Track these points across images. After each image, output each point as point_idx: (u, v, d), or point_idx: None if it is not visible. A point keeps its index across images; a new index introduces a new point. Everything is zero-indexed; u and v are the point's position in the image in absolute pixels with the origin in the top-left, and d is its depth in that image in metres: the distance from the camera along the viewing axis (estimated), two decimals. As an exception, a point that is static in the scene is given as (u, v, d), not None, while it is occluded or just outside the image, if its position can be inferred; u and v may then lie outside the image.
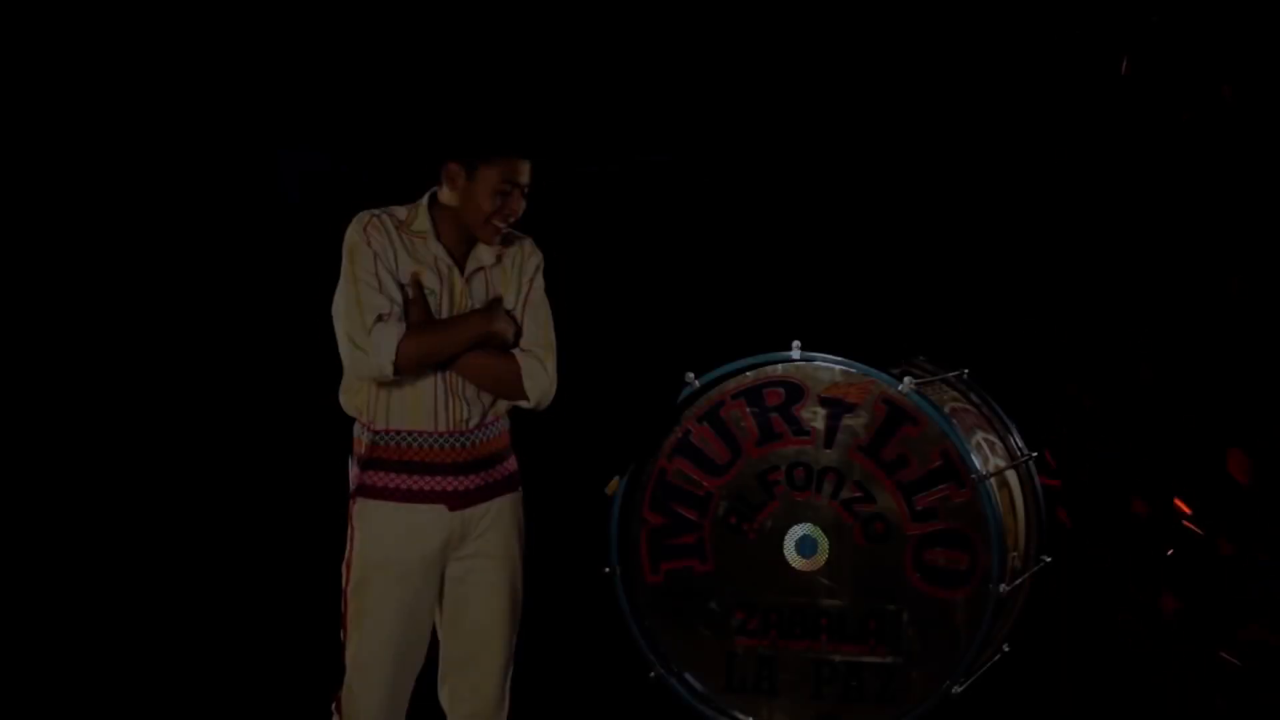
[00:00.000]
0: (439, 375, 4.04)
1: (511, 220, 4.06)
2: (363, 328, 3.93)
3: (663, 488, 4.28)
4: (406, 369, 3.95)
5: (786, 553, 4.21)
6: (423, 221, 4.07)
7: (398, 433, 4.02)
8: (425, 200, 4.12)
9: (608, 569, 4.29)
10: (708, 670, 4.28)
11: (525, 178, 4.04)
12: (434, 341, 3.98)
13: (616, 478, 4.27)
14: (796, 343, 4.22)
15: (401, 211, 4.10)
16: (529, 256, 4.19)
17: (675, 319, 6.48)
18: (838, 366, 4.19)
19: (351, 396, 4.08)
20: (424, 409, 4.03)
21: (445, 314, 4.05)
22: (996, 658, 4.44)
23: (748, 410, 4.24)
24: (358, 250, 4.01)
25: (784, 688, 4.23)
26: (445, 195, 4.07)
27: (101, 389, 6.51)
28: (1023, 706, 5.48)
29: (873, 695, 4.16)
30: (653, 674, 4.30)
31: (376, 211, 4.08)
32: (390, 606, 4.01)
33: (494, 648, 4.15)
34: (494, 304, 4.09)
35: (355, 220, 4.07)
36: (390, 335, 3.93)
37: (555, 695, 5.55)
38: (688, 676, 4.29)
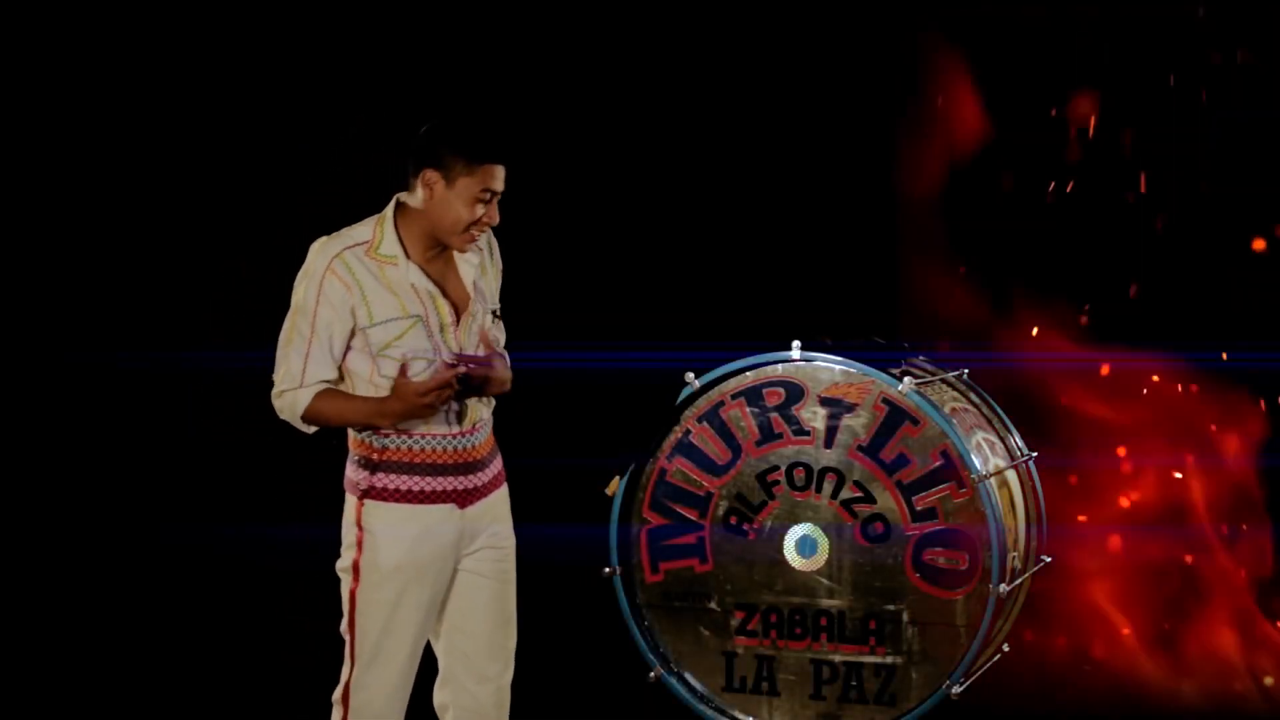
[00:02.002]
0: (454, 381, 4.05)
1: (485, 229, 3.99)
2: (275, 392, 4.01)
3: (663, 488, 4.28)
4: (317, 426, 4.04)
5: (786, 553, 4.21)
6: (390, 244, 3.98)
7: (410, 435, 4.02)
8: (390, 213, 4.01)
9: (608, 569, 4.29)
10: (708, 670, 4.28)
11: (502, 185, 3.95)
12: (343, 420, 4.02)
13: (616, 478, 4.27)
14: (796, 343, 4.22)
15: (365, 230, 4.00)
16: (493, 243, 4.16)
17: (675, 318, 6.48)
18: (838, 366, 4.19)
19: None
20: (438, 416, 4.03)
21: (437, 337, 4.00)
22: (996, 658, 4.44)
23: (748, 410, 4.24)
24: (304, 304, 3.96)
25: (784, 688, 4.23)
26: (417, 203, 3.97)
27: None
28: (1023, 706, 5.48)
29: (873, 695, 4.16)
30: (653, 674, 4.30)
31: (339, 246, 3.97)
32: (409, 605, 4.02)
33: (508, 633, 4.18)
34: (401, 388, 3.96)
35: (316, 256, 3.97)
36: (297, 403, 3.99)
37: (555, 695, 5.55)
38: (688, 676, 4.29)
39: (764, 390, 4.23)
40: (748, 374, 4.25)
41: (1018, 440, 4.58)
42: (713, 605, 4.26)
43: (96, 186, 6.68)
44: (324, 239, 4.01)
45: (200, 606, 6.51)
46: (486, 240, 4.12)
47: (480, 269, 4.10)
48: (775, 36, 6.66)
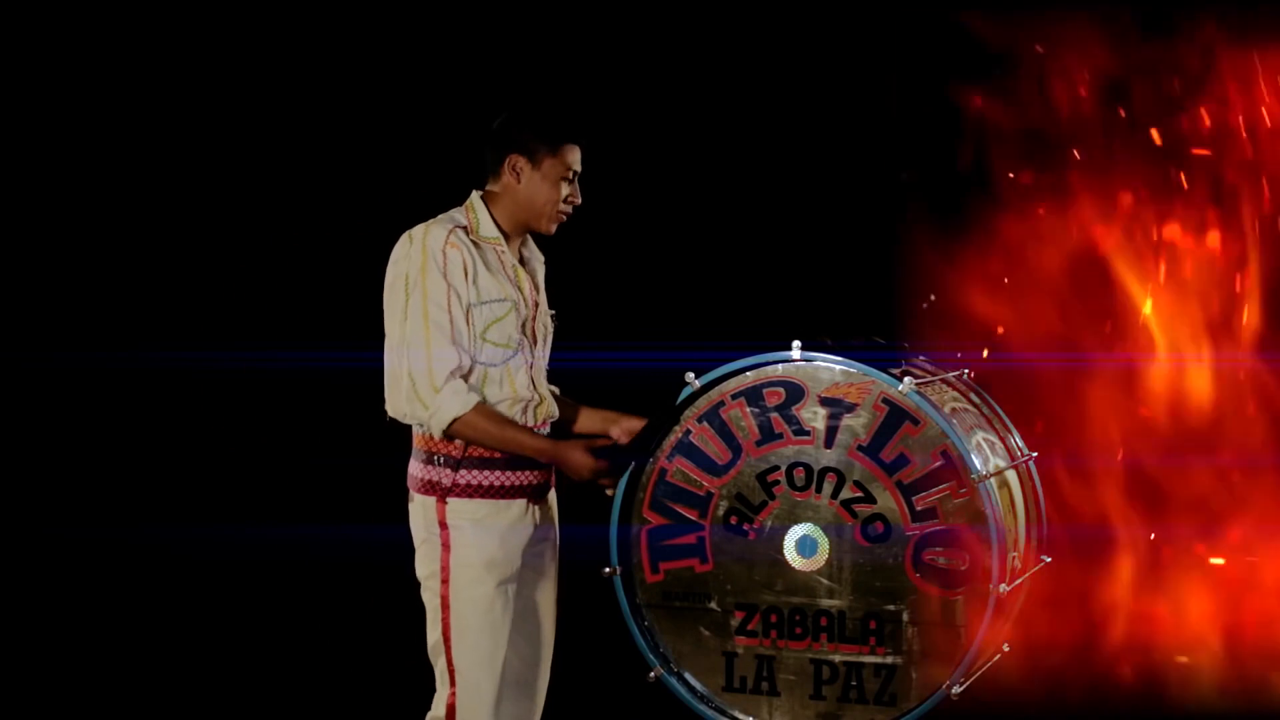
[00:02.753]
0: (531, 375, 4.11)
1: (570, 209, 4.14)
2: (430, 383, 3.92)
3: (663, 488, 4.28)
4: (456, 437, 3.99)
5: (786, 553, 4.21)
6: (489, 226, 4.07)
7: None
8: (477, 201, 4.11)
9: (608, 569, 4.29)
10: (708, 670, 4.28)
11: (580, 165, 4.12)
12: (494, 439, 3.99)
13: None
14: (797, 343, 4.22)
15: (459, 215, 4.08)
16: (540, 255, 4.28)
17: (675, 318, 6.48)
18: (838, 366, 4.19)
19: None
20: (518, 408, 4.08)
21: (524, 320, 4.08)
22: (996, 658, 4.44)
23: (748, 410, 4.24)
24: (432, 281, 3.94)
25: (784, 688, 4.23)
26: (503, 189, 4.08)
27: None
28: (1023, 706, 5.48)
29: (873, 695, 4.16)
30: (653, 674, 4.30)
31: (448, 224, 4.01)
32: (505, 599, 4.05)
33: (551, 626, 4.23)
34: (574, 449, 4.08)
35: (425, 236, 3.97)
36: (457, 402, 3.93)
37: (555, 695, 5.54)
38: (688, 676, 4.29)
39: (764, 390, 4.23)
40: (748, 374, 4.24)
41: (1018, 440, 4.58)
42: (713, 605, 4.26)
43: (94, 187, 6.68)
44: (421, 226, 4.01)
45: (199, 607, 6.51)
46: (535, 251, 4.26)
47: (540, 266, 4.24)
48: (772, 39, 6.66)
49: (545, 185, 4.06)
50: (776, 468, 4.21)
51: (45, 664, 6.07)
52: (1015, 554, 4.29)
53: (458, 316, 3.95)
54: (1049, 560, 4.55)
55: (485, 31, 6.70)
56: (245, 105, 6.76)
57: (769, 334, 4.33)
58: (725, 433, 4.25)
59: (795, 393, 4.20)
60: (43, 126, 6.67)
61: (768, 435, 4.22)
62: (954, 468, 4.10)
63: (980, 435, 4.37)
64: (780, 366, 4.23)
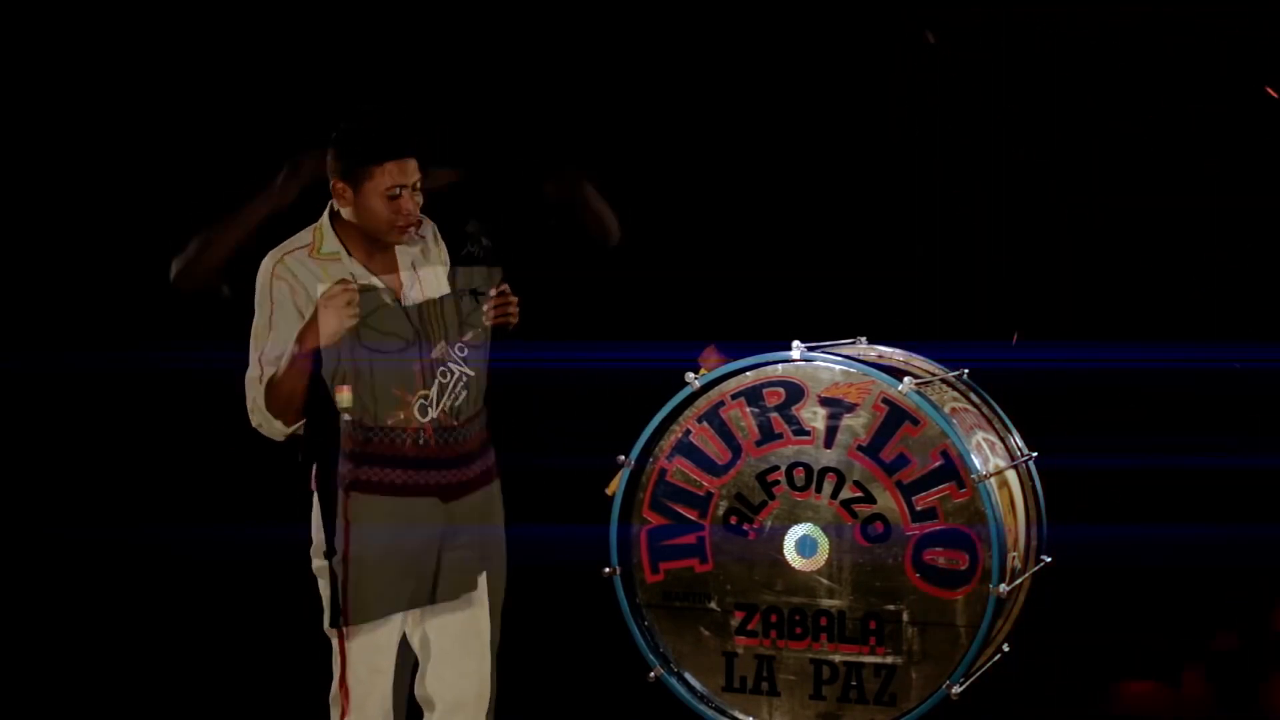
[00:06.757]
0: (425, 372, 4.07)
1: (411, 221, 4.05)
2: (248, 391, 4.04)
3: (663, 488, 4.28)
4: (273, 404, 4.00)
5: (786, 553, 4.21)
6: (331, 242, 4.08)
7: (390, 429, 4.05)
8: (325, 219, 4.11)
9: (608, 569, 4.29)
10: (708, 670, 4.28)
11: (411, 178, 4.02)
12: (285, 369, 3.96)
13: (617, 477, 4.27)
14: (797, 342, 4.22)
15: (305, 235, 4.10)
16: (436, 232, 4.21)
17: (675, 318, 6.48)
18: (838, 366, 4.19)
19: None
20: (414, 406, 4.06)
21: (402, 314, 4.08)
22: (996, 658, 4.44)
23: (748, 410, 4.24)
24: (260, 311, 4.05)
25: (784, 688, 4.23)
26: (344, 213, 4.07)
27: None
28: (1023, 706, 5.48)
29: (873, 695, 4.16)
30: (653, 674, 4.30)
31: (280, 253, 4.07)
32: (392, 596, 4.05)
33: (486, 627, 4.19)
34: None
35: (261, 267, 4.07)
36: (259, 391, 4.00)
37: (555, 695, 5.55)
38: (688, 676, 4.29)
39: (764, 390, 4.23)
40: (748, 374, 4.25)
41: (1018, 440, 4.58)
42: (713, 605, 4.26)
43: (93, 186, 6.68)
44: (271, 252, 4.09)
45: (200, 607, 6.51)
46: (431, 230, 4.19)
47: (422, 254, 4.15)
48: (774, 39, 6.66)
49: (373, 206, 4.01)
50: (776, 468, 4.21)
51: (45, 664, 6.07)
52: (1015, 554, 4.29)
53: (274, 338, 3.99)
54: (1049, 560, 4.56)
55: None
56: (245, 106, 6.77)
57: (769, 334, 4.33)
58: (725, 433, 4.25)
59: (795, 393, 4.21)
60: (43, 128, 6.67)
61: (768, 435, 4.22)
62: (954, 468, 4.10)
63: (980, 435, 4.37)
64: (780, 366, 4.23)
